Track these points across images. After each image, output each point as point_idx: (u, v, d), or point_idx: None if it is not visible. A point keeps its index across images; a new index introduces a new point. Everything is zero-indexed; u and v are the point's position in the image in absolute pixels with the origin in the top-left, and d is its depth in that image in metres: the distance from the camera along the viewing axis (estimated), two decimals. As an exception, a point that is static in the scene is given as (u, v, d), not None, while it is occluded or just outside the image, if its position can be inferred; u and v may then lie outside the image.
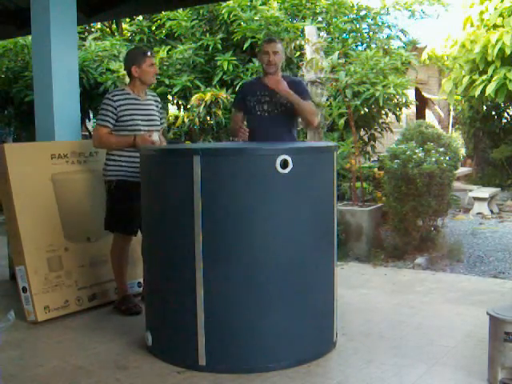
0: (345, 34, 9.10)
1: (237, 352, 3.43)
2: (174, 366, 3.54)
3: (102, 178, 4.59)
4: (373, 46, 9.01)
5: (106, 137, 4.43)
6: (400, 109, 8.24)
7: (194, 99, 8.14)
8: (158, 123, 4.63)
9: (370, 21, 9.47)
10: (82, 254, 4.77)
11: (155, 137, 4.42)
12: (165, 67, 8.83)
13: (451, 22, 11.97)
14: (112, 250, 4.60)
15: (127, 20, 10.52)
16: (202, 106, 8.06)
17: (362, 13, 9.42)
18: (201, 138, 8.67)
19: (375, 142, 8.46)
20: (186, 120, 8.45)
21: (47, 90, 5.37)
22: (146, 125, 4.49)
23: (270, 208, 3.41)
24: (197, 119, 8.34)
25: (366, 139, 8.43)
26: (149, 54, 4.51)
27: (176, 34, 9.33)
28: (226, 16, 8.74)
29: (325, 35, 7.93)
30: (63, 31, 5.42)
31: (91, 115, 9.82)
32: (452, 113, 15.72)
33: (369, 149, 8.47)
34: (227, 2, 8.67)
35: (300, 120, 4.91)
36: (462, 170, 10.74)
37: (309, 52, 6.91)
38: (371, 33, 9.44)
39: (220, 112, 8.01)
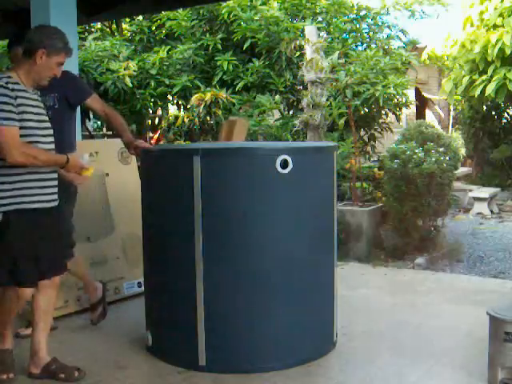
0: (345, 34, 9.11)
1: (237, 352, 3.43)
2: (174, 366, 3.54)
3: None
4: (373, 45, 9.02)
5: (28, 146, 3.15)
6: (400, 109, 8.25)
7: (194, 99, 8.14)
8: (51, 130, 3.38)
9: (370, 21, 9.48)
10: (82, 253, 4.74)
11: (85, 159, 3.47)
12: (165, 67, 8.84)
13: (451, 21, 11.98)
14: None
15: (127, 20, 10.52)
16: (202, 106, 8.07)
17: (362, 13, 9.42)
18: (201, 137, 8.68)
19: (375, 141, 8.47)
20: (186, 120, 8.46)
21: (47, 90, 5.36)
22: (42, 134, 3.28)
23: (269, 208, 3.41)
24: (197, 119, 8.35)
25: (366, 139, 8.44)
26: (69, 47, 3.46)
27: (176, 34, 9.34)
28: (225, 16, 8.74)
29: (325, 35, 7.93)
30: (63, 31, 5.40)
31: (91, 115, 9.81)
32: (452, 113, 15.73)
33: (369, 149, 8.48)
34: (227, 2, 8.67)
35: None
36: (461, 170, 10.74)
37: (309, 52, 6.91)
38: (371, 33, 9.44)
39: (220, 112, 8.01)
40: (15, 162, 3.09)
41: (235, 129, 4.49)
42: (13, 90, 3.13)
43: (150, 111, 9.97)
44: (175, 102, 9.37)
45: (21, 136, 3.13)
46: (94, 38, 9.49)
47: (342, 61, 7.68)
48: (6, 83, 3.12)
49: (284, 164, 3.36)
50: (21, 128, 3.13)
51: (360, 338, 4.01)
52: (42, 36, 3.26)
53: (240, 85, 8.39)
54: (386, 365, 3.56)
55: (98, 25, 10.99)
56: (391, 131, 8.60)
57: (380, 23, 9.56)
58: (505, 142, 12.45)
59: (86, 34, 10.27)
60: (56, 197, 3.34)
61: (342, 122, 7.28)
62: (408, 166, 6.17)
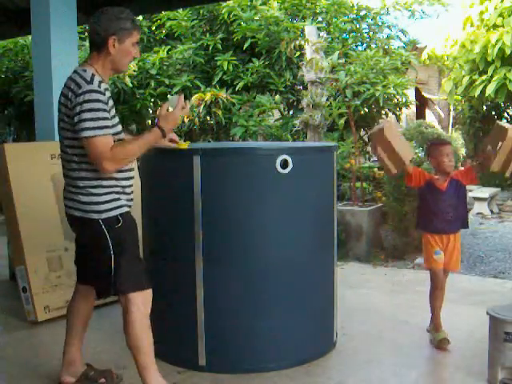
0: (345, 34, 9.11)
1: (237, 352, 3.43)
2: (174, 366, 3.54)
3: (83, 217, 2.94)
4: (373, 45, 9.02)
5: (118, 149, 2.82)
6: (400, 109, 8.25)
7: (194, 99, 8.14)
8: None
9: (369, 21, 9.49)
10: (82, 254, 4.75)
11: (172, 101, 3.16)
12: (165, 67, 8.84)
13: (451, 21, 11.97)
14: (133, 325, 2.98)
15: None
16: (202, 106, 8.07)
17: (362, 13, 9.43)
18: (201, 138, 8.68)
19: (375, 141, 8.45)
20: (185, 120, 8.45)
21: (47, 90, 5.36)
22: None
23: (269, 208, 3.41)
24: (197, 119, 8.35)
25: (366, 139, 8.44)
26: (138, 24, 3.08)
27: (176, 34, 9.34)
28: (225, 16, 8.74)
29: (325, 35, 7.93)
30: (63, 31, 5.41)
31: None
32: (452, 113, 15.72)
33: (369, 149, 8.47)
34: (227, 2, 8.67)
35: None
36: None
37: (309, 52, 6.91)
38: (371, 33, 9.45)
39: (220, 112, 8.02)
40: (109, 173, 2.84)
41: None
42: (105, 91, 2.87)
43: (150, 111, 9.97)
44: (175, 101, 9.36)
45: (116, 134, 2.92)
46: (94, 38, 9.48)
47: (341, 61, 7.68)
48: (99, 85, 2.84)
49: (284, 164, 3.36)
50: (115, 134, 2.89)
51: (360, 338, 4.01)
52: (108, 22, 2.88)
53: (240, 85, 8.39)
54: (385, 365, 3.56)
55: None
56: (391, 131, 8.58)
57: (380, 23, 9.56)
58: (505, 142, 12.43)
59: (86, 34, 10.26)
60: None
61: (341, 122, 7.28)
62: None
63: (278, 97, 8.63)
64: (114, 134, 2.87)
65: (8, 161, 4.51)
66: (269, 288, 3.44)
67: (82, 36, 9.63)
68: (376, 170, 7.91)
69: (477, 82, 10.45)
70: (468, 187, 4.11)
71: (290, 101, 8.84)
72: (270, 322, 3.45)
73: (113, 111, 2.96)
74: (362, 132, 8.41)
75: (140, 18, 10.06)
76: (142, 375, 3.00)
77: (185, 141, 6.32)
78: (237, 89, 8.45)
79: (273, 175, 3.36)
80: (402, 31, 9.92)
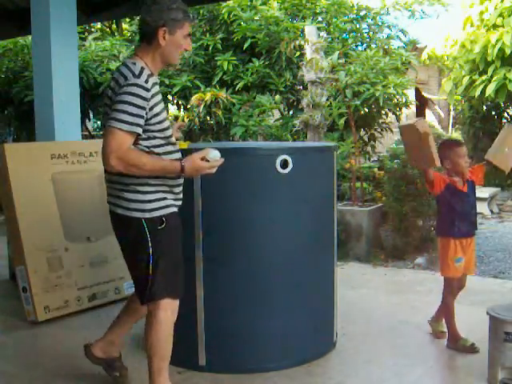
0: (345, 34, 9.10)
1: (237, 352, 3.43)
2: (174, 366, 3.52)
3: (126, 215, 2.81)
4: (373, 45, 9.01)
5: (134, 154, 2.71)
6: (400, 109, 8.24)
7: (194, 99, 8.14)
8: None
9: (369, 21, 9.48)
10: (82, 254, 4.77)
11: (215, 155, 2.87)
12: (165, 67, 8.83)
13: (451, 21, 12.01)
14: (158, 329, 2.88)
15: (127, 20, 10.52)
16: (202, 106, 8.06)
17: (362, 13, 9.42)
18: (201, 137, 8.67)
19: (375, 141, 8.46)
20: (185, 120, 8.44)
21: (47, 90, 5.37)
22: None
23: (269, 208, 3.41)
24: (197, 119, 8.34)
25: (366, 139, 8.44)
26: (190, 15, 2.91)
27: (176, 34, 9.32)
28: (225, 16, 8.74)
29: (325, 35, 7.92)
30: (63, 31, 5.41)
31: (91, 115, 9.82)
32: (452, 113, 15.72)
33: (369, 149, 8.47)
34: (227, 2, 8.67)
35: None
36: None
37: (309, 52, 6.91)
38: (371, 33, 9.44)
39: (220, 112, 8.01)
40: (109, 169, 2.75)
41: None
42: (152, 86, 2.74)
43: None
44: (175, 102, 9.37)
45: (165, 144, 2.81)
46: (94, 38, 9.50)
47: (341, 61, 7.67)
48: (147, 80, 2.71)
49: (284, 164, 3.36)
50: (161, 131, 2.78)
51: (360, 338, 4.01)
52: (158, 13, 2.76)
53: (240, 85, 8.39)
54: (385, 365, 3.56)
55: (98, 25, 11.00)
56: (391, 131, 8.60)
57: (380, 23, 9.55)
58: (505, 142, 12.44)
59: (86, 34, 10.28)
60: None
61: (341, 122, 7.28)
62: (408, 166, 6.17)
63: (278, 97, 8.62)
64: (163, 138, 2.79)
65: (8, 161, 4.51)
66: (269, 288, 3.44)
67: (82, 36, 9.64)
68: (376, 169, 7.90)
69: (477, 82, 10.45)
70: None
71: (290, 101, 8.84)
72: (270, 321, 3.45)
73: (160, 106, 2.79)
74: (362, 132, 8.40)
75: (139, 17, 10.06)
76: (153, 379, 2.91)
77: (185, 141, 6.33)
78: (237, 89, 8.44)
79: (273, 175, 3.36)
80: (402, 31, 9.91)
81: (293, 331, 3.49)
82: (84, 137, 8.37)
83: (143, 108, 2.67)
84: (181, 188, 2.94)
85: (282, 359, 3.49)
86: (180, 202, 2.95)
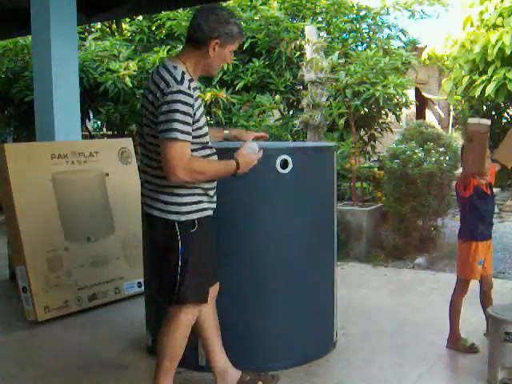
0: (345, 34, 9.10)
1: (237, 352, 3.43)
2: (174, 366, 3.54)
3: (161, 217, 2.80)
4: (373, 45, 9.01)
5: (197, 162, 2.76)
6: (400, 109, 8.24)
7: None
8: None
9: (370, 21, 9.47)
10: (82, 253, 4.77)
11: (253, 148, 2.97)
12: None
13: (451, 21, 12.03)
14: (177, 331, 2.91)
15: (127, 20, 10.51)
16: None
17: (362, 13, 9.41)
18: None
19: (375, 141, 8.46)
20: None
21: (47, 90, 5.37)
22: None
23: (270, 208, 3.41)
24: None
25: (366, 139, 8.44)
26: (243, 32, 2.94)
27: (176, 34, 9.33)
28: (226, 16, 8.73)
29: (325, 35, 7.91)
30: (63, 31, 5.42)
31: (91, 115, 9.81)
32: (452, 113, 15.72)
33: (369, 149, 8.47)
34: (227, 2, 8.66)
35: None
36: (461, 170, 10.73)
37: (309, 52, 6.91)
38: (371, 33, 9.43)
39: (220, 112, 8.01)
40: (178, 181, 2.70)
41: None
42: (193, 91, 2.73)
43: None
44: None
45: (201, 149, 2.80)
46: (94, 38, 9.48)
47: (341, 61, 7.67)
48: (189, 86, 2.69)
49: (284, 164, 3.36)
50: (198, 137, 2.77)
51: (360, 338, 4.01)
52: (216, 23, 2.75)
53: (240, 85, 8.39)
54: (385, 365, 3.56)
55: (98, 25, 10.98)
56: (391, 131, 8.59)
57: (380, 23, 9.55)
58: (505, 142, 12.44)
59: (86, 33, 10.27)
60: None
61: (341, 122, 7.27)
62: (408, 166, 6.17)
63: (278, 97, 8.62)
64: (200, 143, 2.79)
65: (8, 161, 4.51)
66: (268, 288, 3.44)
67: (82, 36, 9.63)
68: (376, 170, 7.90)
69: (477, 82, 10.44)
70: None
71: (290, 101, 8.83)
72: (270, 321, 3.45)
73: (201, 111, 2.80)
74: (362, 132, 8.40)
75: (140, 17, 10.06)
76: (159, 377, 2.92)
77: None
78: (237, 89, 8.44)
79: (273, 175, 3.36)
80: (402, 31, 9.91)
81: (293, 331, 3.49)
82: (84, 137, 8.37)
83: (190, 115, 2.67)
84: (215, 191, 2.94)
85: (282, 359, 3.49)
86: (214, 205, 2.95)
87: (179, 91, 2.64)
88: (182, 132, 2.63)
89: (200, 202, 2.82)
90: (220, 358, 3.15)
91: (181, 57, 2.83)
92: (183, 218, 2.76)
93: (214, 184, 2.92)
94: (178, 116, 2.62)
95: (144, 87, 2.79)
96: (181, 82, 2.66)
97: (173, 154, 2.62)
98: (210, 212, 2.90)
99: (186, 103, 2.64)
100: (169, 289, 2.82)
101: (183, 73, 2.71)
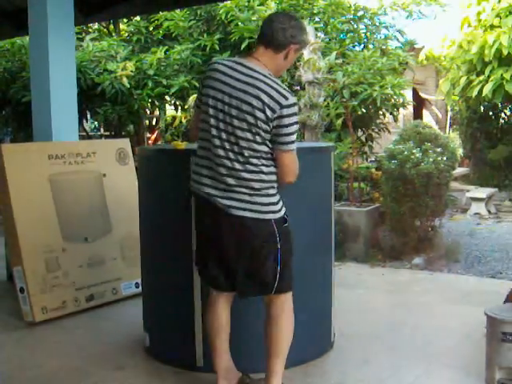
0: (342, 35, 9.10)
1: (234, 352, 3.42)
2: (171, 367, 3.54)
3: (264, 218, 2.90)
4: (370, 46, 9.01)
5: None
6: (397, 109, 8.25)
7: (192, 100, 8.12)
8: None
9: (367, 21, 9.47)
10: (80, 254, 4.76)
11: None
12: (162, 68, 8.82)
13: (448, 22, 11.97)
14: (290, 317, 3.14)
15: (125, 20, 10.50)
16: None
17: (360, 13, 9.41)
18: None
19: (373, 142, 8.47)
20: (183, 120, 8.44)
21: (45, 91, 5.36)
22: None
23: (267, 208, 3.40)
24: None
25: (364, 139, 8.44)
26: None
27: (173, 35, 9.32)
28: (223, 16, 8.73)
29: (322, 35, 7.92)
30: (61, 31, 5.40)
31: (88, 116, 9.81)
32: (449, 113, 15.73)
33: (366, 149, 8.48)
34: (225, 3, 8.66)
35: None
36: (459, 171, 10.74)
37: (306, 52, 6.91)
38: (368, 33, 9.43)
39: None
40: (290, 184, 2.99)
41: None
42: None
43: (148, 112, 9.95)
44: (173, 102, 9.36)
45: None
46: (92, 39, 9.47)
47: (339, 61, 7.68)
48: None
49: (281, 164, 3.35)
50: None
51: (357, 338, 4.01)
52: (297, 30, 2.91)
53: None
54: (383, 365, 3.56)
55: (96, 25, 10.97)
56: (389, 131, 8.60)
57: (377, 23, 9.54)
58: (502, 143, 12.45)
59: (84, 34, 10.25)
60: None
61: (339, 122, 7.27)
62: (405, 167, 6.17)
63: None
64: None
65: (5, 161, 4.51)
66: (266, 288, 3.43)
67: (80, 36, 9.62)
68: (373, 170, 7.91)
69: (474, 83, 10.45)
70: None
71: (288, 101, 8.83)
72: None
73: None
74: (360, 132, 8.40)
75: (137, 18, 10.05)
76: (281, 368, 3.05)
77: (182, 141, 6.33)
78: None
79: (270, 176, 3.35)
80: (400, 32, 9.90)
81: (290, 331, 3.49)
82: (81, 137, 8.36)
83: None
84: None
85: (280, 360, 3.48)
86: None
87: (295, 104, 2.84)
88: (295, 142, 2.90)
89: (280, 199, 2.98)
90: (225, 357, 3.18)
91: (260, 59, 2.90)
92: (278, 215, 2.92)
93: None
94: (295, 128, 2.85)
95: (237, 88, 2.79)
96: (291, 94, 2.84)
97: (292, 165, 2.93)
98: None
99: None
100: (271, 283, 2.96)
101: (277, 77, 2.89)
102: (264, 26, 2.93)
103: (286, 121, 2.79)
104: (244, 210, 2.86)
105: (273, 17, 3.00)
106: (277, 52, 2.89)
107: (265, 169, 2.86)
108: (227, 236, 2.92)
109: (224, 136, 2.83)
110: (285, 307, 3.06)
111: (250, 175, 2.84)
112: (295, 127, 2.84)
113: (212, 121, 2.85)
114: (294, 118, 2.82)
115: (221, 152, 2.84)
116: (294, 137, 2.86)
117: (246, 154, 2.82)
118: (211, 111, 2.85)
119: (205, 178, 2.92)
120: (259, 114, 2.77)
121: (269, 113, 2.76)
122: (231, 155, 2.83)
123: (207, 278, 3.13)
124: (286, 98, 2.78)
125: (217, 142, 2.84)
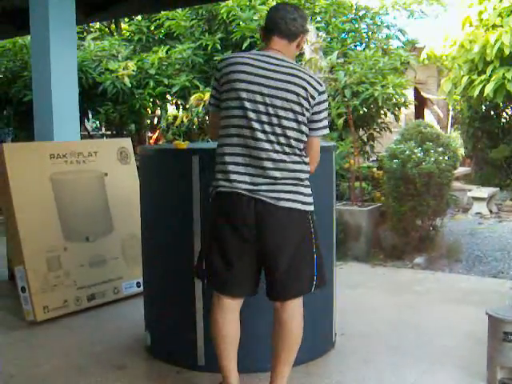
0: (344, 34, 9.09)
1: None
2: (173, 366, 3.54)
3: (303, 209, 2.88)
4: (372, 45, 9.01)
5: None
6: (399, 109, 8.24)
7: (193, 99, 8.13)
8: None
9: (368, 21, 9.47)
10: (81, 253, 4.76)
11: None
12: (164, 67, 8.83)
13: (450, 21, 11.97)
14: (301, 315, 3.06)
15: (126, 20, 10.51)
16: (201, 106, 8.06)
17: (361, 13, 9.41)
18: (200, 137, 8.67)
19: (374, 141, 8.46)
20: (184, 120, 8.44)
21: (46, 90, 5.37)
22: None
23: (268, 208, 3.40)
24: (196, 119, 8.33)
25: (365, 139, 8.43)
26: None
27: (175, 34, 9.33)
28: (224, 16, 8.73)
29: (324, 35, 7.91)
30: (62, 31, 5.41)
31: (90, 115, 9.81)
32: (451, 113, 15.72)
33: (368, 148, 8.46)
34: (226, 2, 8.66)
35: None
36: (460, 170, 10.73)
37: (308, 52, 6.91)
38: (370, 33, 9.43)
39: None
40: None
41: None
42: None
43: (149, 111, 9.96)
44: (174, 101, 9.36)
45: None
46: (93, 38, 9.49)
47: (340, 61, 7.67)
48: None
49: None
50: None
51: (359, 338, 4.01)
52: (305, 20, 2.97)
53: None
54: (384, 365, 3.56)
55: (97, 25, 10.99)
56: (390, 131, 8.59)
57: (379, 23, 9.54)
58: (504, 142, 12.43)
59: (85, 33, 10.27)
60: None
61: (340, 121, 7.27)
62: (407, 166, 6.17)
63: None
64: None
65: (7, 161, 4.51)
66: (268, 288, 3.43)
67: (81, 36, 9.63)
68: (375, 169, 7.90)
69: (476, 82, 10.45)
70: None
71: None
72: (268, 321, 3.44)
73: None
74: (361, 132, 8.39)
75: (139, 17, 10.06)
76: (288, 369, 3.06)
77: (184, 140, 6.32)
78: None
79: (272, 175, 3.35)
80: (401, 31, 9.91)
81: (292, 331, 3.48)
82: (83, 137, 8.36)
83: None
84: None
85: (281, 359, 3.47)
86: None
87: (325, 91, 2.90)
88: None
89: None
90: (234, 365, 3.14)
91: (281, 50, 2.91)
92: (313, 207, 2.93)
93: None
94: (327, 113, 2.95)
95: (278, 79, 2.78)
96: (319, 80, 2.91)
97: (319, 149, 3.00)
98: None
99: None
100: (311, 276, 2.97)
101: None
102: (273, 17, 2.91)
103: (323, 106, 2.87)
104: (293, 201, 2.82)
105: (280, 7, 2.96)
106: (291, 41, 2.92)
107: (305, 159, 2.89)
108: (271, 231, 2.81)
109: (268, 129, 2.76)
110: (296, 312, 2.99)
111: (296, 166, 2.82)
112: (327, 112, 2.93)
113: (251, 114, 2.76)
114: (327, 104, 2.92)
115: (266, 145, 2.76)
116: (326, 121, 2.93)
117: (294, 144, 2.80)
118: (247, 104, 2.76)
119: (241, 175, 2.79)
120: (304, 102, 2.79)
121: (311, 100, 2.82)
122: (277, 147, 2.77)
123: (225, 284, 2.95)
124: (321, 85, 2.87)
125: (260, 135, 2.75)
